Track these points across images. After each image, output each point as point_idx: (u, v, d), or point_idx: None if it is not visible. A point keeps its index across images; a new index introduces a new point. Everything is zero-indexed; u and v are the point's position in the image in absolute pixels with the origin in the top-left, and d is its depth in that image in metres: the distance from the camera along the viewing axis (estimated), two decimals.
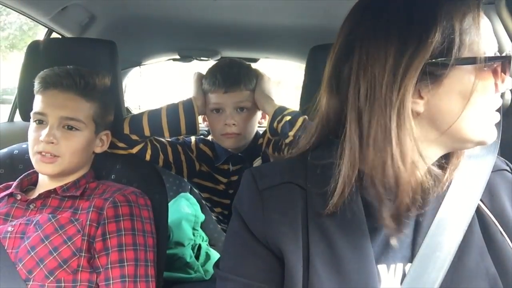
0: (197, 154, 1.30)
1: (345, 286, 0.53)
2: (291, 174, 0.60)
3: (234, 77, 1.18)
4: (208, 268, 1.68)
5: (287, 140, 1.09)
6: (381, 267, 0.56)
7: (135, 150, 1.13)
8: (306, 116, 1.08)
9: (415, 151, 0.52)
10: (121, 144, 1.12)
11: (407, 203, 0.53)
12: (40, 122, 0.95)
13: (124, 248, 0.88)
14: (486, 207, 0.60)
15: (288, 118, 1.09)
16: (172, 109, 1.15)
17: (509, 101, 0.90)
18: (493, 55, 0.53)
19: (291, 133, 1.08)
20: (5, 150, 1.13)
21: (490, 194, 0.61)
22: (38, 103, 0.96)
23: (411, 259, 0.57)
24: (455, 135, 0.54)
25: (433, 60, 0.50)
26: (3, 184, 1.01)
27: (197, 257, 1.71)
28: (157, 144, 1.19)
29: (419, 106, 0.53)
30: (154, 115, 1.14)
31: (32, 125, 0.96)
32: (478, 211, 0.60)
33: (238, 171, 1.30)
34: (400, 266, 0.57)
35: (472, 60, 0.51)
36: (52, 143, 0.92)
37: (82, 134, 0.96)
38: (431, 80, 0.51)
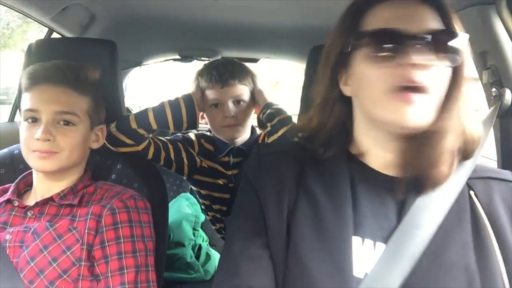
0: (199, 150, 1.35)
1: (322, 241, 0.59)
2: (290, 147, 0.72)
3: (229, 72, 1.27)
4: (208, 268, 1.68)
5: (266, 130, 1.23)
6: (356, 239, 0.59)
7: (141, 147, 1.16)
8: (291, 124, 1.20)
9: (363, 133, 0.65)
10: (129, 141, 1.14)
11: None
12: (33, 121, 0.90)
13: (123, 255, 0.86)
14: (484, 211, 0.62)
15: (271, 111, 1.23)
16: (174, 103, 1.20)
17: (509, 101, 0.90)
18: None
19: (269, 124, 1.22)
20: (5, 150, 1.13)
21: (489, 199, 0.63)
22: (28, 100, 0.90)
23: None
24: (369, 117, 0.62)
25: None
26: None
27: (197, 257, 1.71)
28: (158, 143, 1.23)
29: (347, 91, 0.64)
30: (158, 109, 1.19)
31: (24, 124, 0.91)
32: (474, 212, 0.62)
33: (238, 164, 1.35)
34: (382, 246, 0.59)
35: None
36: (49, 140, 0.87)
37: (78, 129, 0.93)
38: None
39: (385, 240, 0.59)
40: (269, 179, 0.66)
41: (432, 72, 0.56)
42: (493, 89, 0.92)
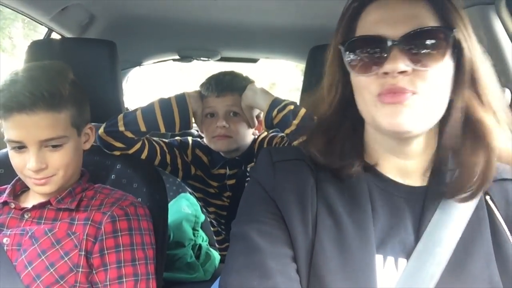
0: (192, 159, 1.32)
1: (346, 262, 0.56)
2: (303, 154, 0.65)
3: (227, 82, 1.24)
4: (208, 268, 1.68)
5: (288, 131, 1.08)
6: (378, 257, 0.57)
7: (132, 150, 1.13)
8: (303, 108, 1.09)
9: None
10: (118, 144, 1.10)
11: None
12: (20, 148, 0.86)
13: (123, 264, 0.86)
14: (501, 215, 0.60)
15: (291, 107, 1.09)
16: (165, 102, 1.15)
17: (509, 101, 0.90)
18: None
19: (295, 122, 1.06)
20: (5, 150, 1.13)
21: (507, 203, 0.60)
22: (8, 130, 0.86)
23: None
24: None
25: None
26: None
27: (197, 257, 1.71)
28: (156, 145, 1.20)
29: None
30: (147, 109, 1.13)
31: (11, 151, 0.88)
32: (492, 218, 0.59)
33: (235, 175, 1.33)
34: (404, 262, 0.58)
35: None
36: (43, 168, 0.86)
37: (68, 146, 0.90)
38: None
39: (407, 256, 0.58)
40: (289, 189, 0.61)
41: (418, 75, 0.53)
42: None
